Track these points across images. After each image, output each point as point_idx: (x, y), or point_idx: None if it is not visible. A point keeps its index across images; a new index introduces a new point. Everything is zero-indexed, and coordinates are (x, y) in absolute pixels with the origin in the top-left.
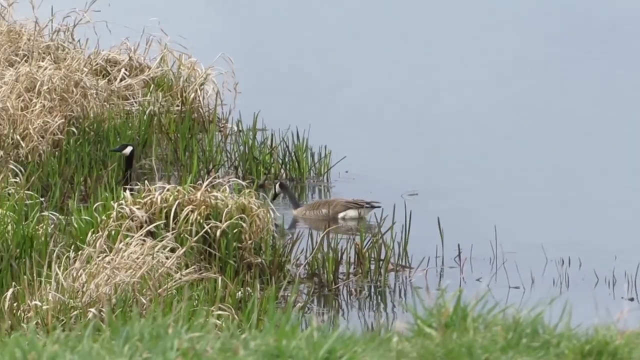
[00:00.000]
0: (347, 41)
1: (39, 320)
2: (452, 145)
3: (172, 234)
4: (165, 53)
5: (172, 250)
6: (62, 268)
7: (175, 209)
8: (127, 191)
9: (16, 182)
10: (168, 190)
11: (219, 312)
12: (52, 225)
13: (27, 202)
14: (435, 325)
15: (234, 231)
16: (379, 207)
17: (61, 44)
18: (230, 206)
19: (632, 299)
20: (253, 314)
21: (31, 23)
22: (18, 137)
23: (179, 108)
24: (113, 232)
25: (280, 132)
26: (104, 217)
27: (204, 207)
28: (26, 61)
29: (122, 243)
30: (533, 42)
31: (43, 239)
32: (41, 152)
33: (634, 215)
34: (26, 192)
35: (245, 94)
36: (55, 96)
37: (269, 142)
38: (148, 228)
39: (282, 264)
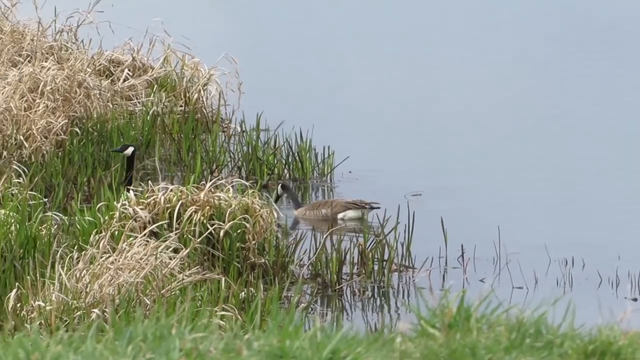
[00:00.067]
0: (347, 41)
1: (43, 321)
2: (454, 146)
3: (176, 234)
4: (169, 53)
5: (176, 250)
6: (65, 268)
7: (179, 209)
8: (131, 191)
9: (19, 182)
10: (171, 190)
11: (223, 312)
12: (56, 226)
13: (31, 202)
14: (438, 325)
15: (238, 232)
16: (379, 207)
17: (64, 44)
18: (233, 207)
19: (635, 299)
20: (256, 315)
21: (34, 23)
22: (21, 137)
23: (182, 108)
24: (116, 233)
25: (284, 133)
26: (107, 217)
27: (207, 207)
28: (29, 61)
29: (126, 243)
30: (533, 42)
31: (46, 239)
32: (44, 152)
33: (637, 215)
34: (29, 192)
35: (248, 94)
36: (58, 96)
37: (272, 143)
38: (151, 228)
39: (285, 265)
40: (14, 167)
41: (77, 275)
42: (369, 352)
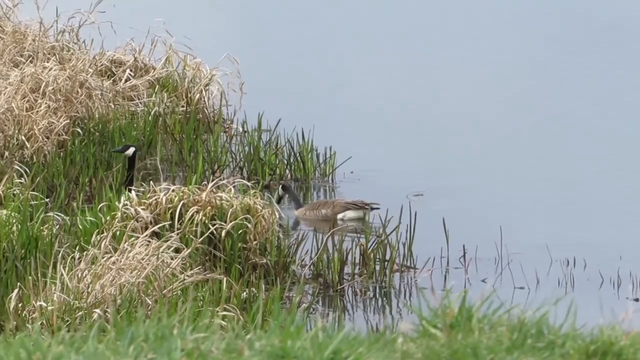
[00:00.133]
0: (347, 41)
1: (44, 321)
2: (456, 146)
3: (177, 234)
4: (170, 54)
5: (177, 250)
6: (67, 269)
7: (180, 209)
8: (133, 192)
9: (21, 182)
10: (173, 191)
11: (224, 312)
12: (57, 226)
13: (32, 202)
14: (440, 326)
15: (239, 232)
16: (378, 208)
17: (66, 44)
18: (235, 207)
19: (637, 300)
20: (258, 315)
21: (36, 24)
22: (23, 137)
23: (184, 109)
24: (118, 233)
25: (285, 133)
26: (108, 217)
27: (209, 207)
28: (31, 62)
29: (127, 244)
30: (533, 42)
31: (48, 239)
32: (46, 152)
33: (639, 215)
34: (31, 192)
35: (250, 95)
36: (60, 97)
37: (274, 143)
38: (153, 229)
39: (287, 265)
40: (16, 167)
41: (79, 276)
42: (371, 353)
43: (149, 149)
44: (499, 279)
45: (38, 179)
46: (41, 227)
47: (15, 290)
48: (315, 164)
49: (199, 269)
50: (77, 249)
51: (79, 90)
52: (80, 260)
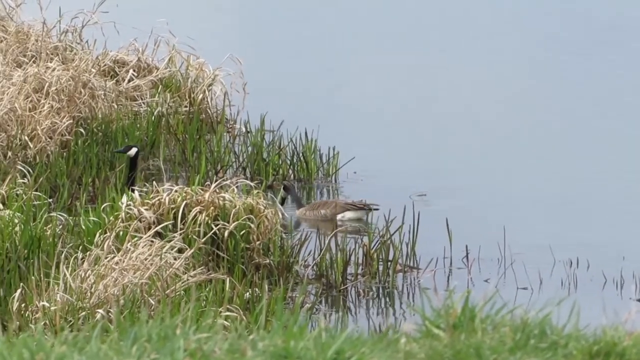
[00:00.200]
0: (347, 41)
1: (47, 321)
2: (457, 146)
3: (180, 234)
4: (173, 54)
5: (180, 251)
6: (70, 269)
7: (183, 209)
8: (136, 192)
9: (24, 182)
10: (176, 191)
11: (227, 313)
12: (60, 226)
13: (35, 202)
14: (443, 326)
15: (242, 232)
16: (378, 209)
17: (69, 44)
18: (238, 207)
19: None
20: (261, 315)
21: (39, 24)
22: (26, 137)
23: (187, 109)
24: (121, 233)
25: (289, 133)
26: (112, 218)
27: (212, 208)
28: (34, 62)
29: (130, 244)
30: (533, 42)
31: (51, 239)
32: (49, 152)
33: None
34: (34, 192)
35: (253, 95)
36: (63, 97)
37: (277, 143)
38: (156, 229)
39: (290, 265)
40: (19, 167)
41: (82, 276)
42: (374, 353)
43: (152, 149)
44: (502, 279)
45: (41, 179)
46: (44, 227)
47: (18, 291)
48: (319, 164)
49: (201, 269)
50: (80, 249)
51: (82, 90)
52: (83, 261)
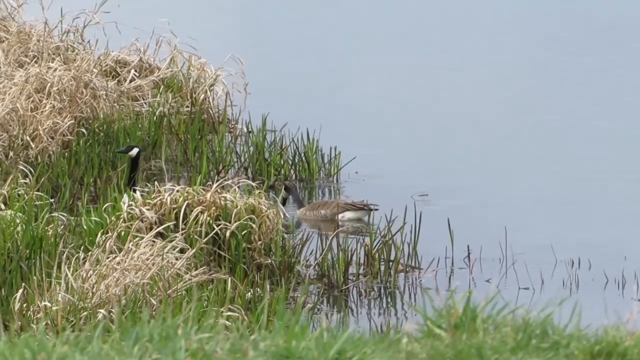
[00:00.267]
0: (347, 41)
1: (49, 321)
2: (457, 146)
3: (182, 234)
4: (175, 54)
5: (182, 251)
6: (71, 269)
7: (185, 210)
8: (137, 192)
9: (26, 183)
10: (178, 191)
11: (229, 313)
12: (62, 226)
13: (37, 203)
14: (444, 326)
15: (244, 232)
16: (377, 209)
17: (71, 45)
18: (239, 207)
19: None
20: (263, 315)
21: (41, 24)
22: (28, 138)
23: (189, 109)
24: (123, 233)
25: (290, 133)
26: (113, 218)
27: (213, 208)
28: (36, 62)
29: (132, 244)
30: (533, 42)
31: (53, 239)
32: (51, 153)
33: None
34: (36, 193)
35: (255, 95)
36: (65, 97)
37: (278, 143)
38: (158, 229)
39: (291, 265)
40: (21, 167)
41: (84, 276)
42: (375, 353)
43: (153, 149)
44: (504, 279)
45: (43, 179)
46: (46, 228)
47: (20, 291)
48: (320, 165)
49: (203, 269)
50: (81, 249)
51: (84, 90)
52: (85, 261)
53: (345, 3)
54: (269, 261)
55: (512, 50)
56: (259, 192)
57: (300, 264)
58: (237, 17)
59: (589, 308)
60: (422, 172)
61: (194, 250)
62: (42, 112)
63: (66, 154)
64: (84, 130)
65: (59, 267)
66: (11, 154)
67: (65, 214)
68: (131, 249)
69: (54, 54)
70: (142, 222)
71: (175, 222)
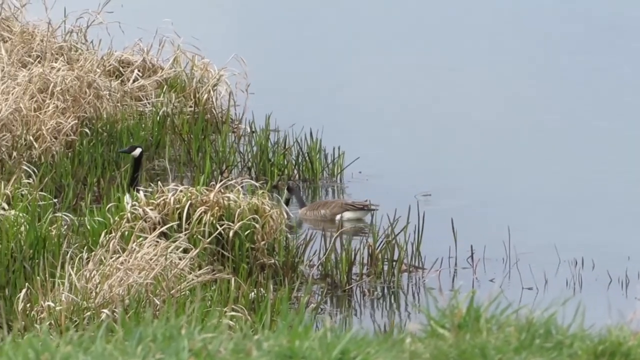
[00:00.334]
0: (347, 41)
1: (52, 321)
2: (459, 146)
3: (185, 234)
4: (178, 54)
5: (185, 251)
6: (75, 269)
7: (188, 210)
8: (141, 192)
9: (29, 183)
10: (181, 191)
11: (232, 313)
12: (65, 226)
13: (40, 203)
14: (448, 326)
15: (247, 232)
16: (377, 209)
17: (74, 45)
18: (243, 207)
19: None
20: (266, 315)
21: (44, 24)
22: (31, 138)
23: (192, 109)
24: (126, 233)
25: (294, 133)
26: (117, 218)
27: (217, 208)
28: (39, 62)
29: (135, 244)
30: (533, 42)
31: (56, 239)
32: (54, 153)
33: None
34: (39, 193)
35: (258, 95)
36: (68, 97)
37: (282, 143)
38: (161, 229)
39: (295, 265)
40: (24, 167)
41: (87, 276)
42: (379, 353)
43: (157, 149)
44: (507, 279)
45: (46, 179)
46: (49, 228)
47: (24, 291)
48: (324, 164)
49: (207, 269)
50: (85, 249)
51: (87, 90)
52: (89, 261)
53: (345, 3)
54: (273, 261)
55: (512, 50)
56: (263, 192)
57: (303, 264)
58: (238, 17)
59: (592, 308)
60: (425, 172)
61: (197, 250)
62: (45, 112)
63: (69, 154)
64: (87, 130)
65: (63, 267)
66: (14, 154)
67: (68, 214)
68: (135, 249)
69: (57, 54)
70: (146, 222)
71: (178, 222)
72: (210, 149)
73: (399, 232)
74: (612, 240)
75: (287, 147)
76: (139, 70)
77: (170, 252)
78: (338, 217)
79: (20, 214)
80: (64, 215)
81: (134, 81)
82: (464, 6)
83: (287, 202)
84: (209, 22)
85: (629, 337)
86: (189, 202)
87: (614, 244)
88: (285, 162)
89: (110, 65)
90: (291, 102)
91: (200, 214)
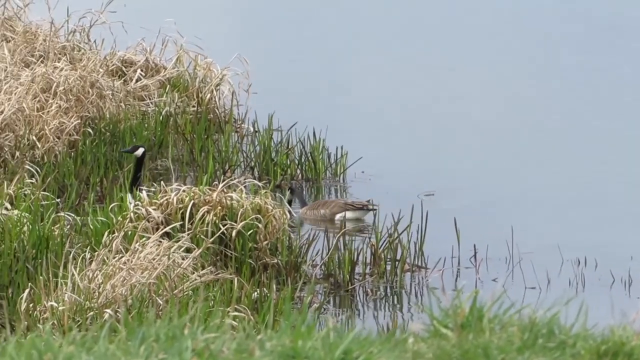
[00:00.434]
0: (347, 41)
1: (55, 321)
2: (465, 146)
3: (188, 234)
4: (181, 54)
5: (188, 250)
6: (78, 269)
7: (191, 209)
8: (144, 192)
9: (32, 182)
10: (184, 191)
11: (235, 312)
12: (68, 226)
13: (43, 202)
14: (451, 326)
15: (250, 232)
16: (376, 209)
17: (77, 44)
18: (246, 207)
19: None
20: (269, 315)
21: (47, 24)
22: (34, 137)
23: (195, 109)
24: (129, 233)
25: (297, 133)
26: (120, 217)
27: (219, 207)
28: (42, 62)
29: (138, 244)
30: (533, 42)
31: (59, 239)
32: (57, 152)
33: None
34: (42, 192)
35: (261, 95)
36: (71, 97)
37: (285, 143)
38: (164, 229)
39: (298, 265)
40: (27, 167)
41: (90, 276)
42: (382, 353)
43: (160, 149)
44: (510, 278)
45: (49, 179)
46: (52, 227)
47: (27, 291)
48: (327, 164)
49: (209, 269)
50: (88, 249)
51: (90, 90)
52: (91, 261)
53: (345, 3)
54: (275, 261)
55: (512, 50)
56: (265, 192)
57: (306, 263)
58: (240, 16)
59: (595, 308)
60: (428, 172)
61: (200, 250)
62: (48, 111)
63: (72, 153)
64: (90, 130)
65: (65, 267)
66: (17, 153)
67: (71, 214)
68: (137, 248)
69: (60, 54)
70: (149, 222)
71: (181, 221)
72: (213, 149)
73: (402, 232)
74: (615, 240)
75: (290, 146)
76: (141, 70)
77: (173, 252)
78: (338, 216)
79: (23, 214)
80: (67, 215)
81: (136, 81)
82: (464, 6)
83: (289, 203)
84: (211, 22)
85: (632, 337)
86: (192, 201)
87: (617, 243)
88: (288, 162)
89: (113, 65)
90: (292, 102)
91: (203, 213)
